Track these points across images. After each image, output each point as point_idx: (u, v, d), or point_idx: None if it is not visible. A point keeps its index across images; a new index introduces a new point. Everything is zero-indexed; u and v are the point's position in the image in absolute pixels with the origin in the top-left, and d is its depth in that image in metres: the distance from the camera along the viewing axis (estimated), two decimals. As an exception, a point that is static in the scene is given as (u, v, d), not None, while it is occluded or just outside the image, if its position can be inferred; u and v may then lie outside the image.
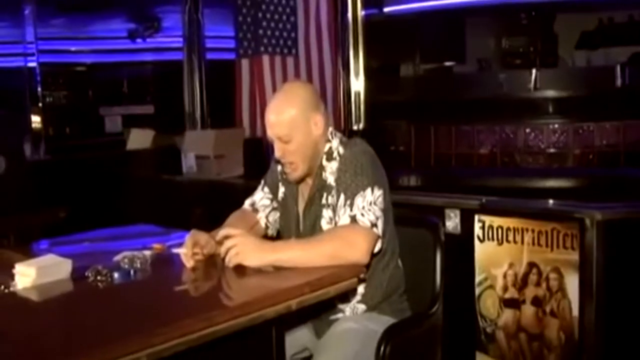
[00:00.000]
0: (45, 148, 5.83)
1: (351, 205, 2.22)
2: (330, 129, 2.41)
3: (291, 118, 2.30)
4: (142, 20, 9.48)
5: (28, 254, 2.47)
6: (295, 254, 2.15)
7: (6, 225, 3.78)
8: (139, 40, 9.71)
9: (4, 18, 7.35)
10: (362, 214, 2.19)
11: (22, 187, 3.96)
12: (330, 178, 2.35)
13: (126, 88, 10.24)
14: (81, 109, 8.83)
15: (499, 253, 3.14)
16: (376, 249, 2.25)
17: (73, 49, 9.44)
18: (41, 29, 7.04)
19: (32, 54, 6.31)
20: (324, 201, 2.36)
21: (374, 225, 2.19)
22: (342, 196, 2.26)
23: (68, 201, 4.06)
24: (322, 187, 2.36)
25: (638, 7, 8.76)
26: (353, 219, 2.19)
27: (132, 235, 2.79)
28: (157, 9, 9.31)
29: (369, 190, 2.23)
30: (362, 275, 2.17)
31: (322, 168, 2.38)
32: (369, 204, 2.21)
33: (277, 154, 2.36)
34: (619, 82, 6.62)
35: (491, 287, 3.18)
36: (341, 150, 2.36)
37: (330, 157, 2.37)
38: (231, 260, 2.13)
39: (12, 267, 2.14)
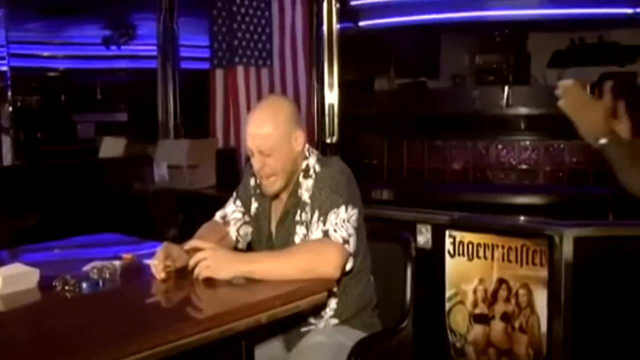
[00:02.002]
0: (15, 153, 5.75)
1: (324, 221, 2.22)
2: (307, 145, 2.41)
3: (274, 132, 2.30)
4: (117, 27, 9.44)
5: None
6: (266, 266, 2.14)
7: (-25, 232, 3.72)
8: (113, 47, 9.67)
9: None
10: (335, 230, 2.19)
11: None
12: (305, 195, 2.35)
13: (100, 95, 10.18)
14: (54, 114, 8.77)
15: (470, 268, 3.16)
16: (348, 267, 2.25)
17: (46, 53, 9.38)
18: (15, 32, 6.95)
19: (3, 58, 6.23)
20: (297, 218, 2.35)
21: (346, 241, 2.19)
22: (316, 212, 2.26)
23: (39, 208, 4.01)
24: (296, 203, 2.36)
25: (607, 29, 8.94)
26: (325, 234, 2.19)
27: (101, 244, 2.78)
28: (132, 16, 9.27)
29: (342, 207, 2.23)
30: (334, 289, 2.17)
31: (297, 185, 2.38)
32: (342, 221, 2.21)
33: (256, 166, 2.34)
34: (589, 101, 6.70)
35: (461, 302, 3.20)
36: (317, 168, 2.36)
37: (306, 175, 2.37)
38: (201, 273, 2.11)
39: (-22, 275, 2.11)
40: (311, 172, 2.37)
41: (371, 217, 2.62)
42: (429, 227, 3.30)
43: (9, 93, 5.91)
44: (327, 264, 2.14)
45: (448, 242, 3.23)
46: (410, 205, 3.78)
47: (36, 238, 2.97)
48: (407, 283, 2.55)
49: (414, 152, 6.89)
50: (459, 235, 3.20)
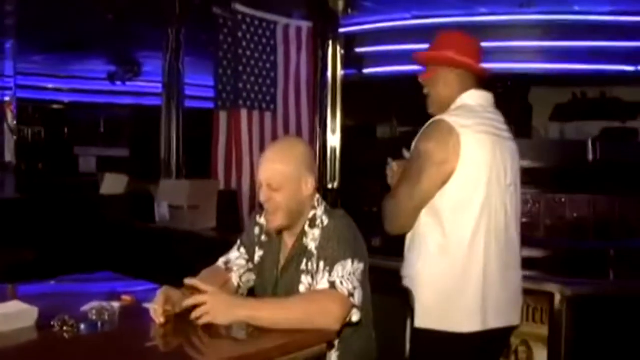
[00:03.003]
0: (16, 184, 5.74)
1: (330, 272, 2.21)
2: (318, 196, 2.41)
3: (285, 169, 2.30)
4: (122, 63, 9.51)
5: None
6: (267, 313, 2.12)
7: (-29, 264, 3.68)
8: (118, 82, 9.73)
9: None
10: (341, 282, 2.18)
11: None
12: (311, 245, 2.34)
13: (102, 129, 10.21)
14: (56, 146, 8.78)
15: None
16: (354, 319, 2.22)
17: (51, 86, 9.43)
18: (21, 64, 7.01)
19: (10, 88, 6.26)
20: (303, 267, 2.34)
21: (351, 294, 2.18)
22: (322, 263, 2.25)
23: (36, 242, 3.98)
24: (302, 252, 2.35)
25: (609, 85, 9.02)
26: (332, 285, 2.18)
27: (97, 282, 2.80)
28: (138, 53, 9.34)
29: (349, 260, 2.22)
30: (334, 342, 2.15)
31: (303, 233, 2.37)
32: (349, 274, 2.20)
33: (262, 198, 2.34)
34: (590, 156, 6.75)
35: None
36: (325, 220, 2.36)
37: (313, 224, 2.36)
38: (202, 318, 2.10)
39: (-25, 311, 2.10)
40: (318, 222, 2.36)
41: (371, 267, 2.61)
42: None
43: (14, 123, 5.93)
44: (329, 317, 2.12)
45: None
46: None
47: (32, 272, 2.95)
48: (407, 337, 2.52)
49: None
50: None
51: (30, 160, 7.69)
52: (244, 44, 5.91)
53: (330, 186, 5.54)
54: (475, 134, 2.44)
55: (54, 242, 4.61)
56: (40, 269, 3.28)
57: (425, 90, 2.64)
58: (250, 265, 2.53)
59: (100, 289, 2.64)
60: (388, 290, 2.65)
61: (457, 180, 2.42)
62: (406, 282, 2.57)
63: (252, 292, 2.56)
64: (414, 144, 2.53)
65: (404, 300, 2.57)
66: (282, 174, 2.31)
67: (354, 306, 2.19)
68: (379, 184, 7.17)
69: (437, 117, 2.48)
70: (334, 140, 5.64)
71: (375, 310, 2.48)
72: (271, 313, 2.12)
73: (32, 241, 4.03)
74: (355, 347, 2.35)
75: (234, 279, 2.52)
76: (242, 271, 2.53)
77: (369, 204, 7.15)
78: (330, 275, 2.19)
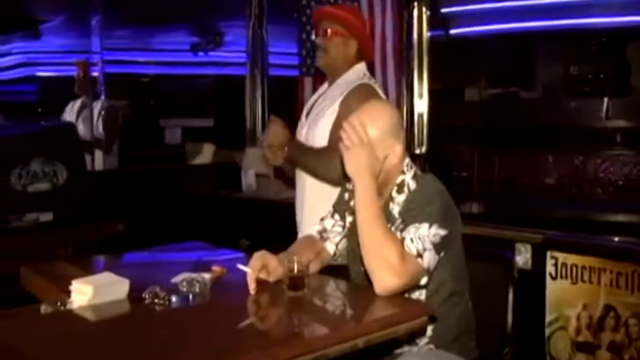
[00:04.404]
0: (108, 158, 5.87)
1: (401, 231, 2.14)
2: (407, 160, 2.32)
3: (370, 136, 2.20)
4: (204, 33, 9.54)
5: (86, 267, 2.44)
6: (364, 213, 2.13)
7: (66, 236, 3.76)
8: (201, 53, 9.78)
9: (72, 28, 7.46)
10: (411, 240, 2.10)
11: (82, 197, 3.93)
12: (396, 209, 2.26)
13: (186, 100, 10.32)
14: (142, 119, 8.91)
15: (573, 293, 2.96)
16: (422, 282, 2.15)
17: (136, 59, 9.57)
18: (106, 39, 7.10)
19: (97, 64, 6.37)
20: None
21: (419, 255, 2.08)
22: (400, 225, 2.19)
23: (127, 214, 4.02)
24: (387, 217, 2.25)
25: None
26: (401, 241, 2.11)
27: (188, 251, 2.81)
28: (220, 23, 9.35)
29: (425, 225, 2.12)
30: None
31: (390, 199, 2.29)
32: (421, 236, 2.11)
33: None
34: (695, 112, 6.34)
35: (563, 328, 3.00)
36: (412, 185, 2.27)
37: (400, 190, 2.28)
38: (342, 149, 2.15)
39: (69, 282, 2.10)
40: (405, 188, 2.27)
41: (465, 234, 2.49)
42: (528, 247, 3.12)
43: (102, 98, 6.03)
44: (389, 267, 2.04)
45: (550, 263, 3.04)
46: (502, 221, 3.60)
47: (123, 244, 2.98)
48: (508, 307, 2.40)
49: (506, 164, 6.64)
50: (562, 256, 3.00)
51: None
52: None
53: (417, 151, 5.40)
54: None
55: (144, 213, 4.66)
56: (131, 240, 3.31)
57: None
58: (346, 232, 2.46)
59: (190, 258, 2.65)
60: (487, 257, 2.54)
61: None
62: None
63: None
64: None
65: (505, 269, 2.46)
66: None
67: (421, 267, 2.09)
68: (468, 148, 7.04)
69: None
70: (421, 104, 5.50)
71: (473, 278, 2.37)
72: (366, 217, 2.12)
73: (123, 212, 4.06)
74: (452, 318, 2.26)
75: (330, 247, 2.47)
76: (338, 238, 2.47)
77: (457, 169, 7.03)
78: (401, 232, 2.12)
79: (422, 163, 5.32)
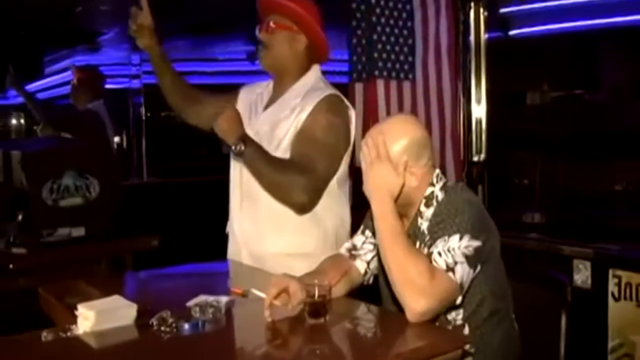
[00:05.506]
0: (146, 170, 5.80)
1: (429, 246, 1.95)
2: (437, 171, 2.14)
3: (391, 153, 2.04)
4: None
5: (107, 287, 2.31)
6: (385, 232, 1.96)
7: (98, 252, 3.70)
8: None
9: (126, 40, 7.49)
10: (439, 253, 1.89)
11: (116, 211, 3.86)
12: (424, 225, 2.08)
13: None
14: (184, 131, 8.88)
15: (639, 316, 2.67)
16: (457, 301, 1.93)
17: (194, 70, 9.58)
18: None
19: (138, 76, 6.34)
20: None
21: (450, 269, 1.87)
22: (428, 240, 2.00)
23: (161, 228, 3.91)
24: (414, 233, 2.09)
25: None
26: (428, 257, 1.91)
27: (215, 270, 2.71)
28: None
29: (456, 236, 1.91)
30: (467, 347, 1.81)
31: (419, 214, 2.11)
32: (450, 249, 1.90)
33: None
34: None
35: (628, 355, 2.71)
36: (440, 196, 2.09)
37: (429, 203, 2.10)
38: (366, 158, 2.03)
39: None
40: (433, 200, 2.08)
41: (518, 248, 2.25)
42: (588, 265, 2.85)
43: (143, 110, 5.98)
44: (415, 288, 1.84)
45: (612, 282, 2.76)
46: (565, 233, 3.34)
47: (158, 259, 2.88)
48: (561, 335, 2.15)
49: (570, 171, 6.33)
50: (626, 275, 2.73)
51: (159, 146, 7.73)
52: (378, 11, 5.61)
53: (476, 159, 5.23)
54: None
55: (178, 227, 4.56)
56: (164, 255, 3.21)
57: None
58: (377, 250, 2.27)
59: (213, 278, 2.50)
60: (538, 278, 2.31)
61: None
62: None
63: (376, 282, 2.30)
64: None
65: (559, 292, 2.22)
66: None
67: (453, 283, 1.87)
68: (530, 154, 6.74)
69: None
70: (478, 110, 5.38)
71: (522, 301, 2.14)
72: (388, 237, 1.94)
73: (157, 227, 3.96)
74: (494, 341, 2.03)
75: (360, 265, 2.29)
76: (369, 256, 2.29)
77: (519, 176, 6.74)
78: (429, 248, 1.92)
79: (481, 170, 5.12)
